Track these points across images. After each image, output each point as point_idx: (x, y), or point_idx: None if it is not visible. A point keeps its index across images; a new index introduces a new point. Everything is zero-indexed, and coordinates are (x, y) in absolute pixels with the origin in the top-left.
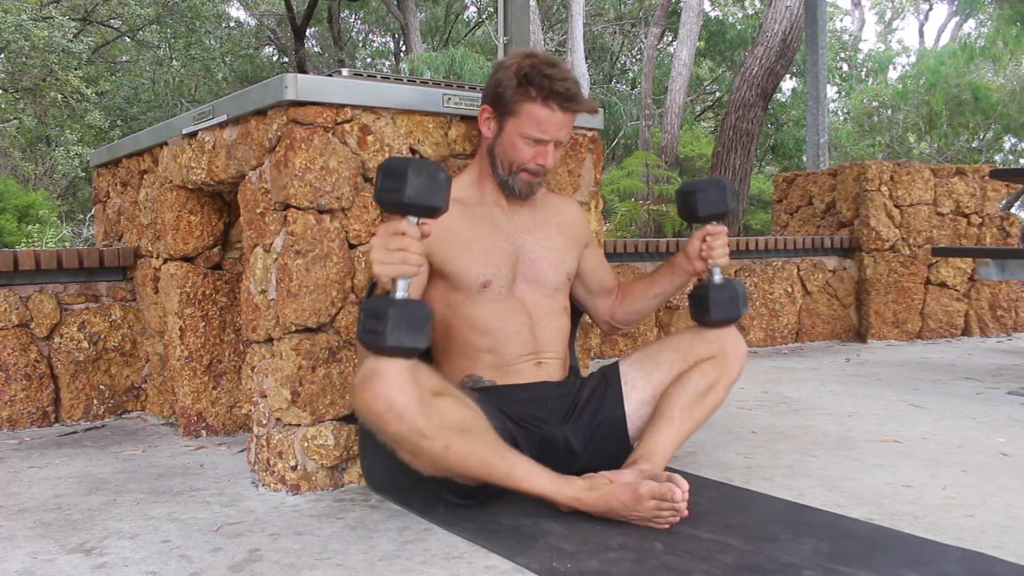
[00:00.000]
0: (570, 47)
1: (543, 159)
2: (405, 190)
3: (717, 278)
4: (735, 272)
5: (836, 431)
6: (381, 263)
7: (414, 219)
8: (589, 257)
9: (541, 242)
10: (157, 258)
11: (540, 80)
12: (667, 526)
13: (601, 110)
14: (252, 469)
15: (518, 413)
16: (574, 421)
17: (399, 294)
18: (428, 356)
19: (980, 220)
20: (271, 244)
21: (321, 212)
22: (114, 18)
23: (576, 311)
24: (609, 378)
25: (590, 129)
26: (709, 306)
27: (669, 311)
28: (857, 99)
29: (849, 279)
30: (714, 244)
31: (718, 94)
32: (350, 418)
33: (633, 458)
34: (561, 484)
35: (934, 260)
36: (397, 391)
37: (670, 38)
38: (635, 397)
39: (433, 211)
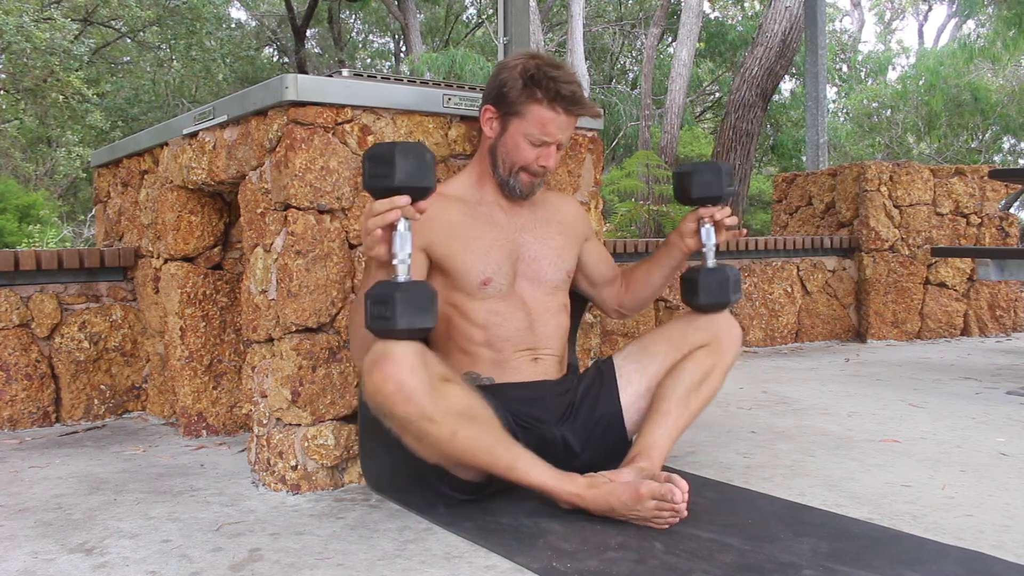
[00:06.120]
0: (570, 48)
1: (545, 160)
2: (394, 175)
3: (710, 262)
4: None
5: (835, 431)
6: (370, 215)
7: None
8: (590, 251)
9: (541, 240)
10: (158, 258)
11: (546, 82)
12: (667, 526)
13: (601, 111)
14: (252, 469)
15: (517, 413)
16: (572, 420)
17: (401, 277)
18: None
19: (979, 220)
20: (271, 244)
21: (321, 212)
22: (115, 19)
23: (576, 310)
24: (604, 373)
25: (590, 130)
26: (698, 289)
27: (669, 311)
28: (856, 100)
29: (848, 279)
30: (718, 218)
31: (718, 95)
32: (350, 418)
33: (632, 454)
34: (563, 480)
35: (933, 260)
36: (407, 373)
37: (670, 39)
38: (631, 391)
39: (424, 192)
